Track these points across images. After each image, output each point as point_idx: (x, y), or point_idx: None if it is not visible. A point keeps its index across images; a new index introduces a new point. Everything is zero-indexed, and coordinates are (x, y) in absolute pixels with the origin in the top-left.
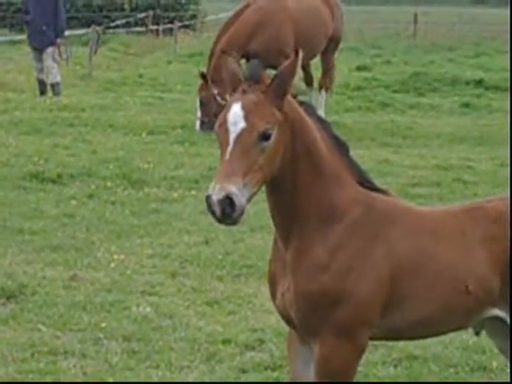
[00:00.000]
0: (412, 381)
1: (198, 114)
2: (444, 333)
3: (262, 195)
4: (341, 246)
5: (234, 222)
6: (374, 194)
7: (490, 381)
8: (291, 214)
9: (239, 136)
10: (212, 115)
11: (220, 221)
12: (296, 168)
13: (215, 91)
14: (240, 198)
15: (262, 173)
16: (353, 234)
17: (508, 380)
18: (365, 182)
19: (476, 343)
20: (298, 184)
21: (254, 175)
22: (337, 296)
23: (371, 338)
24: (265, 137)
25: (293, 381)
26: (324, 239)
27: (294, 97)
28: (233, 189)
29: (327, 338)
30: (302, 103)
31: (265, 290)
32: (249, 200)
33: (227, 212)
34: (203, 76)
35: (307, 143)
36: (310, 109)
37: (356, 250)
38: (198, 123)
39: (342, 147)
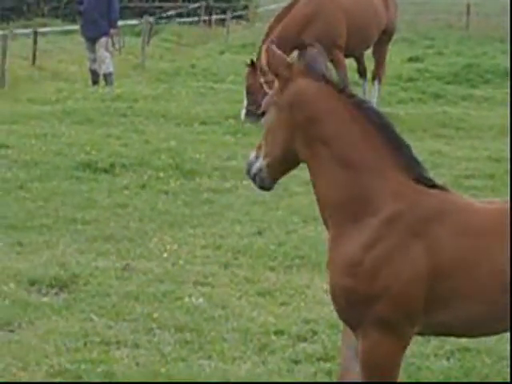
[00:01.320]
0: (465, 373)
1: (245, 102)
2: (501, 331)
3: None
4: (375, 241)
5: (256, 184)
6: (425, 190)
7: (488, 381)
8: (320, 200)
9: None
10: (258, 104)
11: None
12: (313, 153)
13: (262, 80)
14: (251, 164)
15: (268, 147)
16: (389, 229)
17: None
18: (421, 179)
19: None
20: (318, 170)
21: (263, 148)
22: (370, 292)
23: (421, 334)
24: (262, 114)
25: (341, 367)
26: (358, 232)
27: (341, 90)
28: (250, 156)
29: (369, 331)
30: (351, 96)
31: (317, 281)
32: (269, 169)
33: (247, 174)
34: (252, 63)
35: (323, 131)
36: (360, 103)
37: (391, 246)
38: (243, 112)
39: (397, 144)
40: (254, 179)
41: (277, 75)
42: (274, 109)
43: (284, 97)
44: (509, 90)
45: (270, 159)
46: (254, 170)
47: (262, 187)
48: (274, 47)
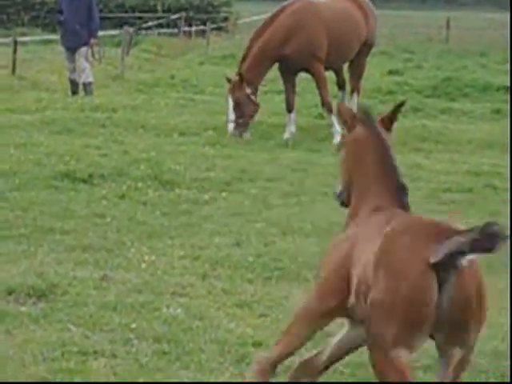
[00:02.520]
0: None
1: (231, 116)
2: None
3: (297, 199)
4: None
5: (339, 205)
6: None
7: (489, 381)
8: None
9: None
10: (248, 116)
11: None
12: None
13: (249, 91)
14: (335, 189)
15: (341, 176)
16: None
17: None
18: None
19: (507, 350)
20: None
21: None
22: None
23: None
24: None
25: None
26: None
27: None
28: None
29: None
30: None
31: (296, 292)
32: (344, 193)
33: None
34: (240, 75)
35: (362, 163)
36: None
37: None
38: (231, 126)
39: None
40: (337, 200)
41: (345, 123)
42: (343, 147)
43: (348, 138)
44: (509, 102)
45: (343, 185)
46: (338, 193)
47: (343, 206)
48: (345, 104)
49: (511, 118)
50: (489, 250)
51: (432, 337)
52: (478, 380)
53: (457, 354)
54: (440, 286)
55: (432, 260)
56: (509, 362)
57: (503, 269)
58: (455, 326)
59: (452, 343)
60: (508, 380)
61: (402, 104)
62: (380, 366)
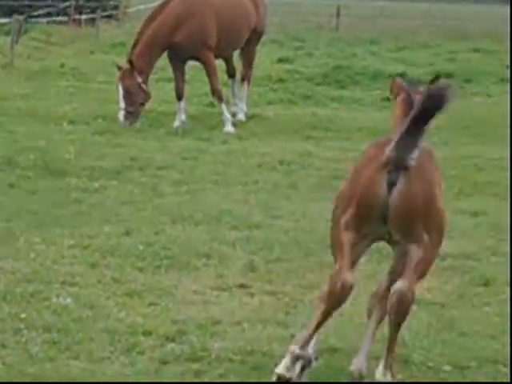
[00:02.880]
0: (334, 373)
1: (122, 104)
2: None
3: (187, 187)
4: None
5: None
6: None
7: (489, 381)
8: None
9: None
10: (138, 104)
11: None
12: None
13: (140, 79)
14: None
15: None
16: None
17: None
18: None
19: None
20: None
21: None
22: None
23: None
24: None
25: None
26: None
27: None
28: None
29: None
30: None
31: (186, 281)
32: None
33: None
34: (130, 63)
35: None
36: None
37: None
38: (121, 114)
39: None
40: None
41: (391, 92)
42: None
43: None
44: (508, 92)
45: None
46: None
47: None
48: (400, 80)
49: (511, 114)
50: (437, 109)
51: (388, 239)
52: (347, 379)
53: (413, 252)
54: (391, 185)
55: (387, 153)
56: (398, 349)
57: None
58: (406, 221)
59: (406, 239)
60: (508, 380)
61: (437, 77)
62: (332, 238)
